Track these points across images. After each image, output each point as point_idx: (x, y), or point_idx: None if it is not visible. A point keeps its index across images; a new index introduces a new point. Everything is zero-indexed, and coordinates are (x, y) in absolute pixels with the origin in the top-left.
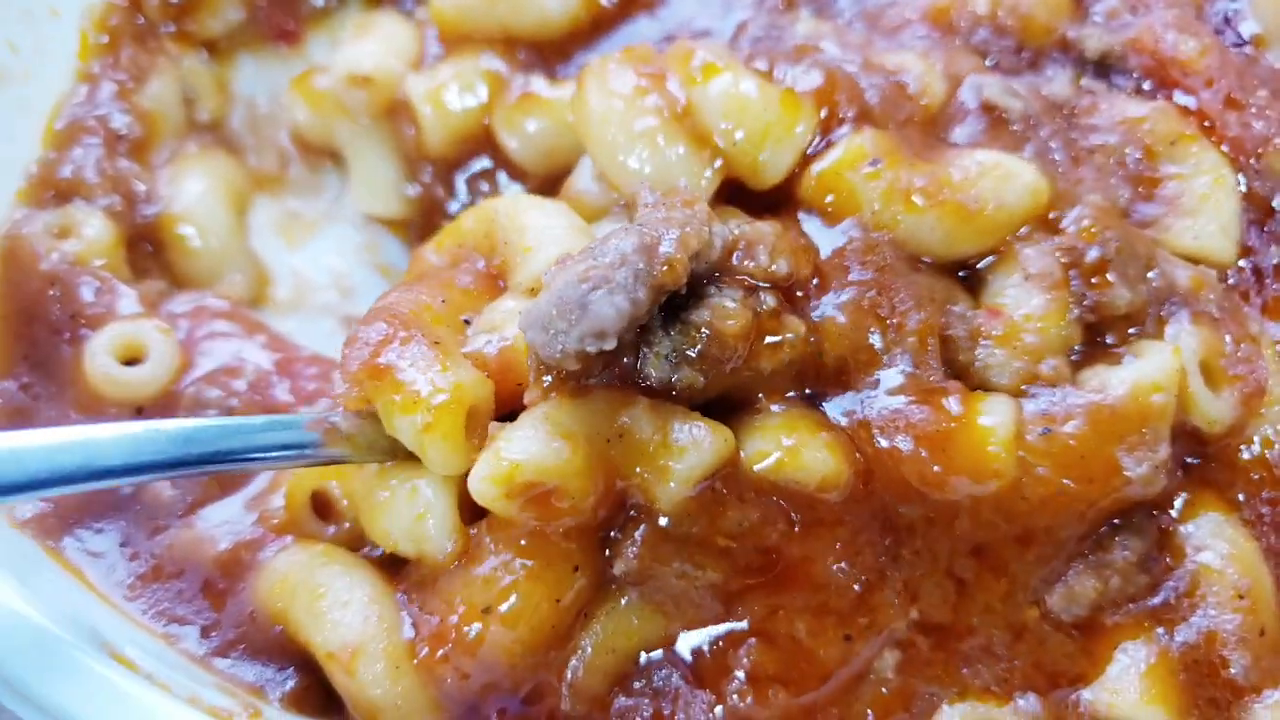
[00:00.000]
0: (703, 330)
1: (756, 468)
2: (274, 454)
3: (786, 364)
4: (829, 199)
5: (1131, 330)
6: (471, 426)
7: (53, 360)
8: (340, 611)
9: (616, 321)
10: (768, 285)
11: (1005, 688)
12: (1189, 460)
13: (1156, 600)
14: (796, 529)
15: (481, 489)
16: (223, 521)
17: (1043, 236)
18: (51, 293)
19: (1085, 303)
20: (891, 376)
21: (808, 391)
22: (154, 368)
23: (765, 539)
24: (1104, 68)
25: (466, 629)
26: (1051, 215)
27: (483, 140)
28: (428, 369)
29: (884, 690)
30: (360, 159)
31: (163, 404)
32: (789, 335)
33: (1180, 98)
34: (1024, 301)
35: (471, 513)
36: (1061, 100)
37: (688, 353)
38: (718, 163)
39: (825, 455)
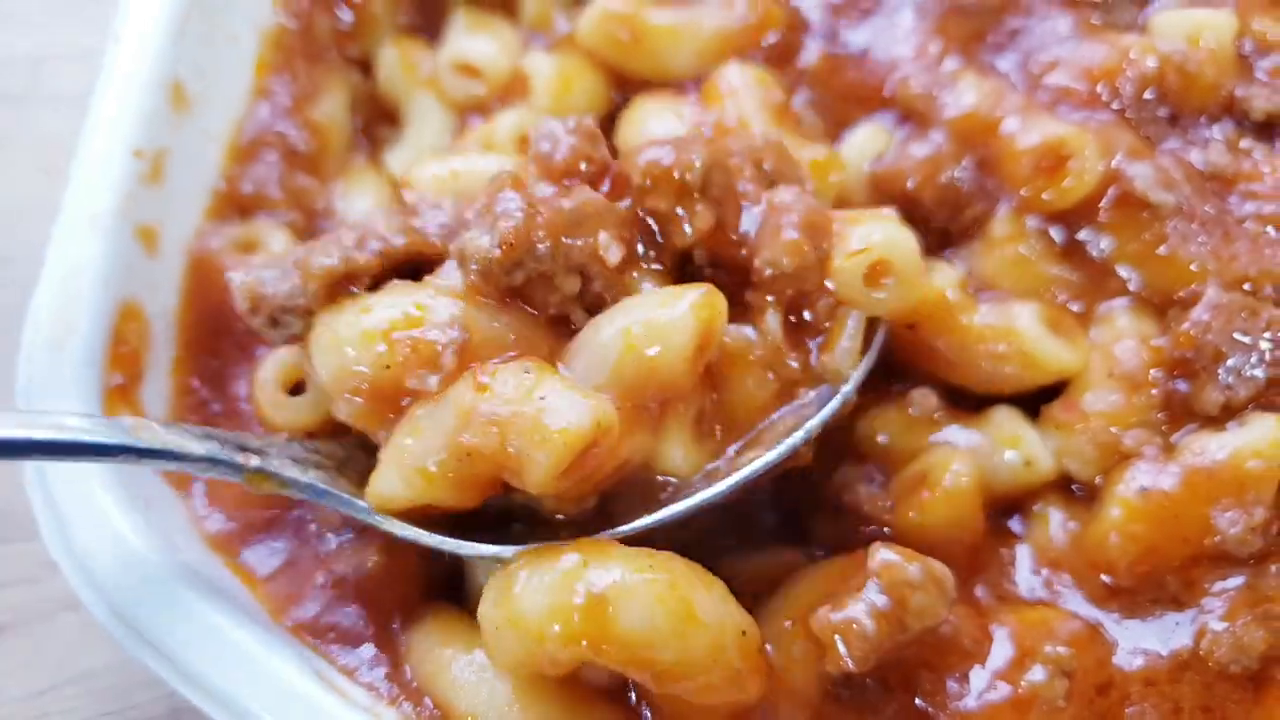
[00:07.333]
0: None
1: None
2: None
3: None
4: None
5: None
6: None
7: (231, 379)
8: None
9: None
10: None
11: None
12: None
13: None
14: None
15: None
16: None
17: (1151, 330)
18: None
19: (1174, 400)
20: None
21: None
22: (315, 395)
23: None
24: (1266, 128)
25: None
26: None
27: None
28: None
29: None
30: (420, 129)
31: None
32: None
33: None
34: (1102, 399)
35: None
36: (1219, 168)
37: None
38: None
39: None
